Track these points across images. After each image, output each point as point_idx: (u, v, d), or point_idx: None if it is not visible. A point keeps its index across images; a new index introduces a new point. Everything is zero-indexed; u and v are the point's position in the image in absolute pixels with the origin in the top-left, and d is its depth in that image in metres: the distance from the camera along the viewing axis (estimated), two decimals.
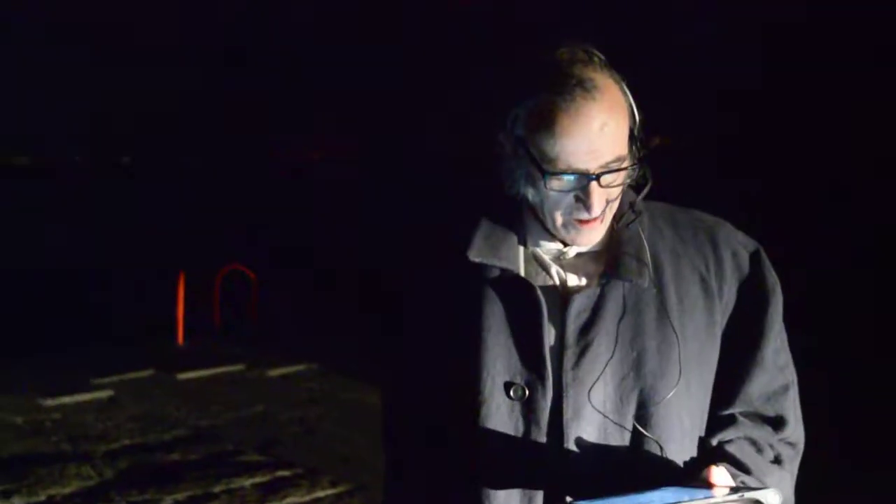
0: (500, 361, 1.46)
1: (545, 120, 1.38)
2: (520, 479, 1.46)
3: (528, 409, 1.45)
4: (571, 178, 1.39)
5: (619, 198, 1.46)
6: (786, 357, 1.55)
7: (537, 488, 1.45)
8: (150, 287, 11.62)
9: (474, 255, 1.47)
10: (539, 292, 1.45)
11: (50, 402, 7.23)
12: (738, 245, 1.56)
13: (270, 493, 5.27)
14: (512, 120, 1.43)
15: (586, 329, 1.45)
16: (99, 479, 5.54)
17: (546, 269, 1.50)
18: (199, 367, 8.42)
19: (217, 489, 5.33)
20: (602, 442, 1.44)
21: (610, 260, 1.48)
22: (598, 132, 1.37)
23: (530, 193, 1.45)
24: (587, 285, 1.48)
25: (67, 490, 5.35)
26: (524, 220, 1.51)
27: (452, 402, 1.49)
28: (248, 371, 8.42)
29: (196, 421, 6.83)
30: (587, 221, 1.43)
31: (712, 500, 1.26)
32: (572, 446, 1.43)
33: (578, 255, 1.51)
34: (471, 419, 1.47)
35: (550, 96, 1.38)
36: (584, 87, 1.37)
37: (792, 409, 1.54)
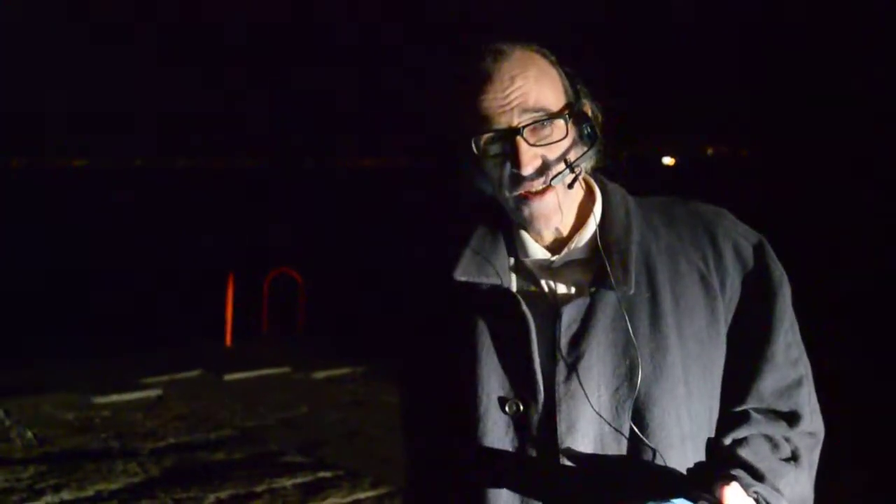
0: (493, 378, 1.45)
1: (462, 92, 1.40)
2: (517, 492, 1.44)
3: (523, 425, 1.44)
4: (496, 136, 1.39)
5: (558, 157, 1.42)
6: (798, 350, 1.50)
7: (535, 500, 1.44)
8: (200, 289, 11.80)
9: (460, 275, 1.47)
10: (524, 306, 1.44)
11: (100, 399, 7.38)
12: (739, 237, 1.51)
13: (312, 493, 5.32)
14: (450, 110, 1.44)
15: (577, 341, 1.43)
16: (145, 475, 5.64)
17: (535, 280, 1.49)
18: (246, 368, 8.54)
19: (259, 489, 5.39)
20: (599, 453, 1.42)
21: (598, 268, 1.46)
22: (509, 83, 1.38)
23: (487, 186, 1.44)
24: (577, 294, 1.46)
25: (114, 486, 5.45)
26: (511, 232, 1.50)
27: (452, 420, 1.49)
28: (294, 373, 8.51)
29: (241, 421, 6.92)
30: (532, 194, 1.41)
31: None
32: (568, 461, 1.41)
33: (567, 263, 1.48)
34: (470, 437, 1.46)
35: (462, 70, 1.42)
36: (491, 52, 1.41)
37: (807, 403, 1.49)
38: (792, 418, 1.47)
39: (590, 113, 1.45)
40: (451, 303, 1.50)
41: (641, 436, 1.41)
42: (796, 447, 1.46)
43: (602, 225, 1.48)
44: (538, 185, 1.41)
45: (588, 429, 1.42)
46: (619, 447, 1.42)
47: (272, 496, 5.28)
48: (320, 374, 8.45)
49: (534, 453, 1.43)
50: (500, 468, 1.45)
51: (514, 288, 1.48)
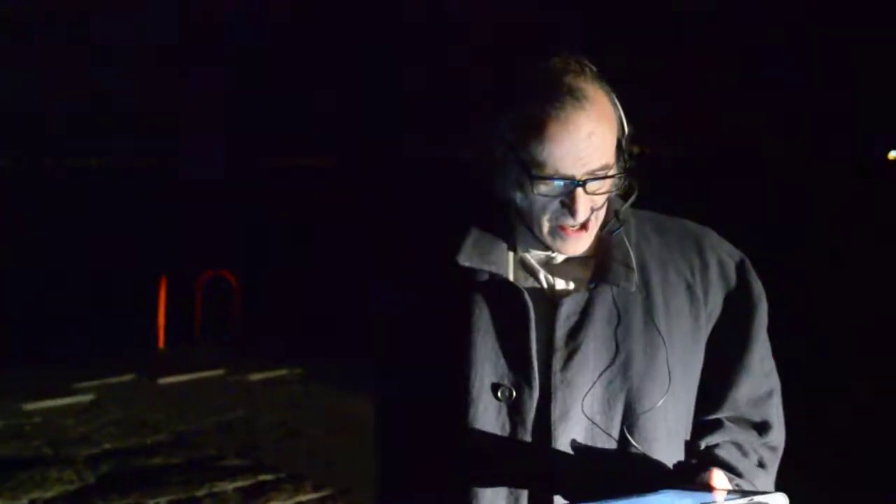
0: (487, 363, 1.49)
1: (535, 126, 1.41)
2: (506, 479, 1.48)
3: (515, 411, 1.48)
4: (558, 183, 1.42)
5: (605, 207, 1.50)
6: (770, 364, 1.60)
7: (524, 489, 1.48)
8: (131, 292, 11.60)
9: (464, 260, 1.50)
10: (527, 296, 1.49)
11: (31, 406, 7.21)
12: (724, 254, 1.60)
13: (254, 497, 5.30)
14: (503, 126, 1.46)
15: (575, 332, 1.48)
16: (81, 483, 5.54)
17: (534, 274, 1.53)
18: (180, 371, 8.42)
19: (200, 493, 5.34)
20: (589, 443, 1.47)
21: (598, 265, 1.51)
22: (586, 140, 1.41)
23: (518, 198, 1.48)
24: (575, 289, 1.52)
25: (49, 494, 5.35)
26: (513, 225, 1.54)
27: (441, 403, 1.52)
28: (229, 376, 8.42)
29: (177, 425, 6.83)
30: (573, 230, 1.47)
31: (718, 502, 1.28)
32: (560, 447, 1.46)
33: (567, 260, 1.54)
34: (459, 421, 1.50)
35: (541, 104, 1.42)
36: (573, 97, 1.41)
37: (776, 414, 1.59)
38: (762, 428, 1.57)
39: (632, 149, 1.49)
40: (449, 287, 1.53)
41: (632, 427, 1.48)
42: (762, 457, 1.56)
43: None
44: (580, 225, 1.46)
45: (581, 418, 1.47)
46: (609, 438, 1.49)
47: (213, 500, 5.24)
48: (256, 377, 8.37)
49: (525, 439, 1.48)
50: (490, 452, 1.48)
51: (512, 279, 1.52)
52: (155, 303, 9.70)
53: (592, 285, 1.50)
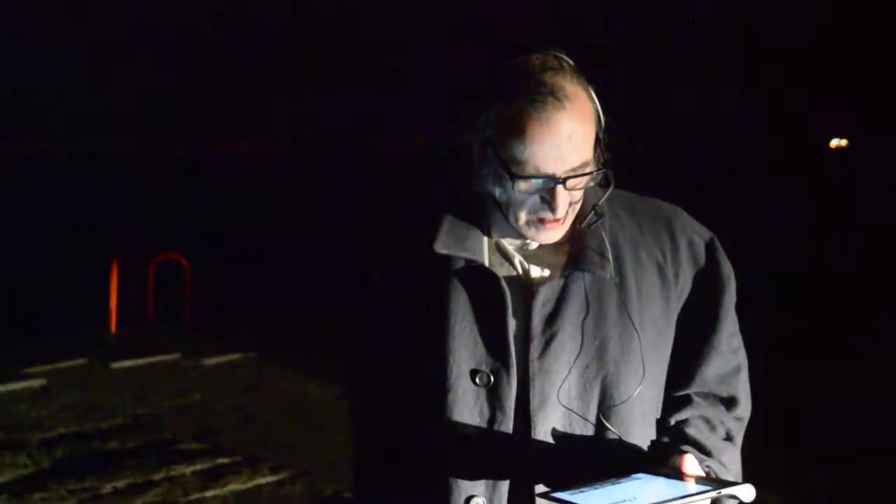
0: (465, 349, 1.51)
1: (516, 126, 1.43)
2: (485, 465, 1.50)
3: (494, 397, 1.50)
4: (539, 181, 1.44)
5: (582, 199, 1.52)
6: (738, 341, 1.64)
7: (502, 475, 1.50)
8: (82, 276, 11.46)
9: (440, 248, 1.52)
10: (503, 282, 1.51)
11: None
12: (693, 234, 1.63)
13: (211, 480, 5.30)
14: (482, 123, 1.48)
15: (551, 320, 1.51)
16: (35, 467, 5.50)
17: (510, 260, 1.56)
18: (134, 356, 8.35)
19: (157, 477, 5.33)
20: (567, 429, 1.50)
21: (572, 252, 1.54)
22: (567, 140, 1.43)
23: (497, 192, 1.50)
24: (550, 276, 1.54)
25: (3, 479, 5.30)
26: (488, 212, 1.56)
27: (418, 389, 1.54)
28: (184, 360, 8.37)
29: (133, 410, 6.80)
30: (550, 221, 1.49)
31: (690, 499, 1.31)
32: (539, 433, 1.48)
33: (542, 245, 1.56)
34: (437, 406, 1.51)
35: (522, 103, 1.43)
36: (554, 96, 1.43)
37: (743, 389, 1.63)
38: (730, 403, 1.61)
39: (608, 140, 1.51)
40: (426, 274, 1.55)
41: (608, 413, 1.51)
42: (729, 428, 1.61)
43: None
44: (558, 218, 1.49)
45: (558, 405, 1.50)
46: (586, 424, 1.52)
47: (171, 484, 5.23)
48: (211, 361, 8.34)
49: (504, 425, 1.50)
50: (468, 438, 1.50)
51: (488, 265, 1.54)
52: (107, 286, 9.60)
53: (567, 272, 1.52)
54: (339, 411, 6.78)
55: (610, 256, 1.53)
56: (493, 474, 1.51)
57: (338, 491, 5.11)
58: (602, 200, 1.53)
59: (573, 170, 1.45)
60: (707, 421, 1.58)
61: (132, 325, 9.59)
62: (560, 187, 1.45)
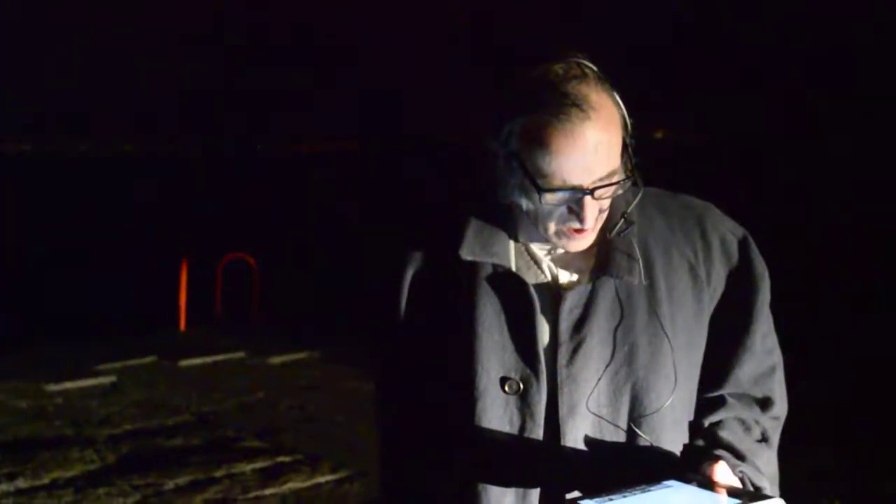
0: (494, 357, 1.48)
1: (541, 138, 1.39)
2: (515, 473, 1.48)
3: (524, 404, 1.47)
4: (566, 193, 1.41)
5: (610, 206, 1.48)
6: (773, 340, 1.59)
7: (532, 483, 1.47)
8: (153, 275, 11.69)
9: (466, 254, 1.49)
10: (531, 288, 1.48)
11: (53, 387, 7.29)
12: (726, 231, 1.58)
13: (271, 478, 5.33)
14: (506, 134, 1.43)
15: (579, 325, 1.48)
16: (101, 463, 5.60)
17: (538, 265, 1.52)
18: (201, 354, 8.49)
19: (218, 474, 5.39)
20: (597, 437, 1.47)
21: (601, 256, 1.50)
22: (593, 151, 1.39)
23: (524, 203, 1.46)
24: (578, 281, 1.51)
25: (70, 473, 5.41)
26: (514, 216, 1.52)
27: (447, 397, 1.52)
28: (249, 359, 8.48)
29: (197, 407, 6.89)
30: (579, 231, 1.45)
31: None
32: (568, 442, 1.46)
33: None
34: (466, 415, 1.49)
35: (545, 116, 1.39)
36: (579, 107, 1.38)
37: (778, 389, 1.58)
38: (765, 403, 1.56)
39: (632, 146, 1.47)
40: (453, 281, 1.52)
41: (639, 420, 1.48)
42: (765, 429, 1.56)
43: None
44: (589, 228, 1.45)
45: (588, 412, 1.47)
46: (616, 430, 1.48)
47: (231, 481, 5.28)
48: (276, 360, 8.42)
49: (535, 433, 1.47)
50: (497, 446, 1.48)
51: (515, 270, 1.51)
52: (176, 286, 9.77)
53: (596, 276, 1.49)
54: None
55: (639, 260, 1.49)
56: (524, 483, 1.48)
57: None
58: (632, 207, 1.48)
59: (600, 179, 1.41)
60: (742, 422, 1.54)
61: (201, 323, 9.75)
62: (588, 198, 1.41)
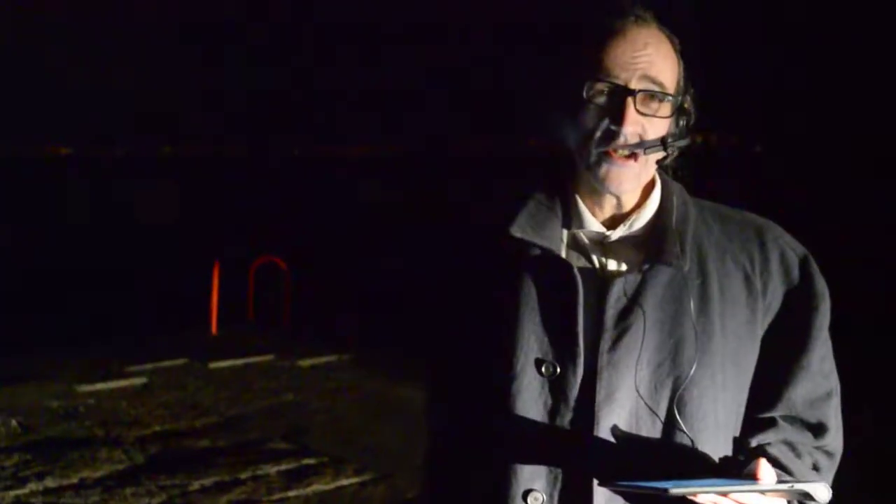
0: (533, 338, 1.46)
1: (594, 39, 1.43)
2: (546, 456, 1.45)
3: (558, 388, 1.44)
4: (611, 84, 1.41)
5: (655, 137, 1.44)
6: (830, 364, 1.53)
7: (564, 467, 1.44)
8: (186, 277, 11.79)
9: (517, 231, 1.48)
10: (576, 272, 1.45)
11: (85, 387, 7.38)
12: (786, 247, 1.54)
13: (295, 480, 5.36)
14: (564, 59, 1.47)
15: (625, 314, 1.45)
16: (129, 462, 5.66)
17: (586, 253, 1.50)
18: (231, 356, 8.55)
19: (244, 476, 5.42)
20: (633, 427, 1.44)
21: (651, 247, 1.48)
22: (642, 47, 1.41)
23: (570, 133, 1.46)
24: (628, 271, 1.48)
25: (99, 473, 5.47)
26: (569, 202, 1.51)
27: (485, 376, 1.49)
28: (279, 361, 8.52)
29: (226, 409, 6.95)
30: (620, 157, 1.42)
31: (759, 487, 1.26)
32: (603, 429, 1.42)
33: (621, 241, 1.50)
34: (502, 395, 1.47)
35: (603, 20, 1.44)
36: (636, 17, 1.44)
37: (833, 417, 1.52)
38: (818, 430, 1.50)
39: (690, 111, 1.48)
40: (501, 259, 1.50)
41: (678, 416, 1.43)
42: (816, 460, 1.50)
43: (661, 209, 1.51)
44: (628, 149, 1.42)
45: (625, 401, 1.43)
46: (653, 424, 1.44)
47: (256, 483, 5.31)
48: (305, 362, 8.47)
49: (568, 418, 1.44)
50: (530, 428, 1.45)
51: (563, 256, 1.49)
52: (209, 288, 9.85)
53: (646, 266, 1.46)
54: None
55: (689, 251, 1.47)
56: (554, 465, 1.44)
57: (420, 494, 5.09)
58: (676, 142, 1.46)
59: (646, 84, 1.41)
60: (792, 447, 1.48)
61: (232, 326, 9.82)
62: (630, 99, 1.40)
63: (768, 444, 1.47)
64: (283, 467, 5.57)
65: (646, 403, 1.43)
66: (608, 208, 1.50)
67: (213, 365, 8.30)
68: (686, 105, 1.47)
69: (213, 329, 9.74)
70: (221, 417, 6.72)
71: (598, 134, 1.42)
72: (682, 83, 1.47)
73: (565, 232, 1.51)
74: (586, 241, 1.51)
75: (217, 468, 5.54)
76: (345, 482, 5.34)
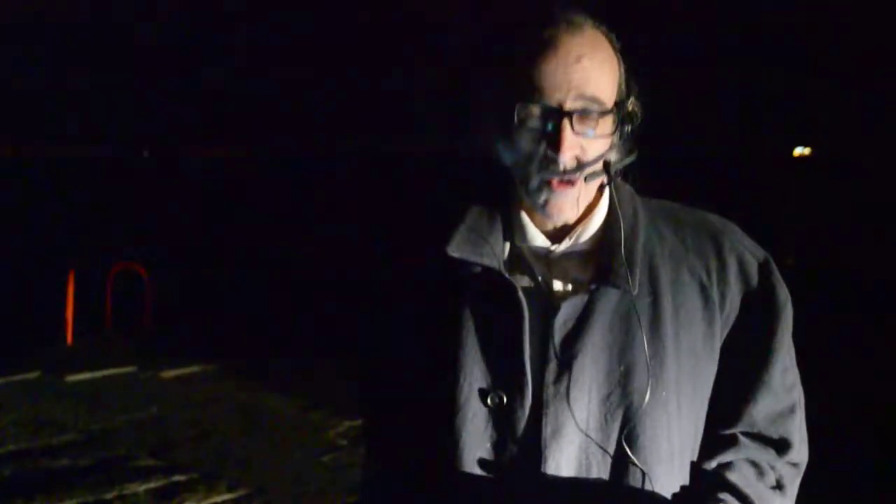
0: (477, 367, 1.37)
1: (524, 48, 1.33)
2: (492, 492, 1.36)
3: (505, 420, 1.35)
4: (541, 107, 1.31)
5: (597, 164, 1.35)
6: (793, 376, 1.45)
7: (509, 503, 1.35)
8: (38, 286, 11.24)
9: (453, 251, 1.37)
10: (521, 294, 1.36)
11: None
12: (745, 252, 1.45)
13: (165, 498, 5.15)
14: (496, 64, 1.38)
15: (571, 340, 1.35)
16: None
17: (531, 270, 1.41)
18: (89, 368, 8.18)
19: (109, 496, 5.17)
20: (583, 463, 1.35)
21: (600, 264, 1.38)
22: (575, 63, 1.31)
23: (507, 155, 1.36)
24: (574, 291, 1.39)
25: None
26: (511, 215, 1.41)
27: (427, 405, 1.40)
28: (141, 372, 8.21)
29: (86, 424, 6.62)
30: (559, 182, 1.33)
31: None
32: (550, 468, 1.34)
33: (566, 255, 1.40)
34: (445, 427, 1.37)
35: (533, 29, 1.34)
36: (568, 23, 1.34)
37: (797, 431, 1.45)
38: (781, 446, 1.43)
39: (635, 112, 1.39)
40: (438, 280, 1.40)
41: (629, 448, 1.34)
42: (781, 476, 1.42)
43: (609, 220, 1.41)
44: (567, 175, 1.33)
45: (574, 436, 1.35)
46: (604, 458, 1.36)
47: (123, 503, 5.08)
48: (169, 374, 8.18)
49: (513, 451, 1.35)
50: (475, 461, 1.36)
51: (506, 274, 1.38)
52: (63, 297, 9.40)
53: (593, 287, 1.36)
54: (298, 425, 6.66)
55: (638, 271, 1.37)
56: (499, 501, 1.35)
57: None
58: (619, 162, 1.37)
59: (582, 104, 1.31)
60: (754, 465, 1.40)
61: (89, 336, 9.40)
62: (566, 121, 1.30)
63: (729, 464, 1.40)
64: (152, 485, 5.34)
65: (596, 438, 1.35)
66: (552, 221, 1.40)
67: (70, 378, 7.91)
68: (631, 108, 1.38)
69: (69, 340, 9.30)
70: (81, 434, 6.40)
71: (535, 158, 1.34)
72: (623, 87, 1.38)
73: (507, 245, 1.41)
74: (529, 255, 1.41)
75: (79, 489, 5.27)
76: (218, 499, 5.17)
